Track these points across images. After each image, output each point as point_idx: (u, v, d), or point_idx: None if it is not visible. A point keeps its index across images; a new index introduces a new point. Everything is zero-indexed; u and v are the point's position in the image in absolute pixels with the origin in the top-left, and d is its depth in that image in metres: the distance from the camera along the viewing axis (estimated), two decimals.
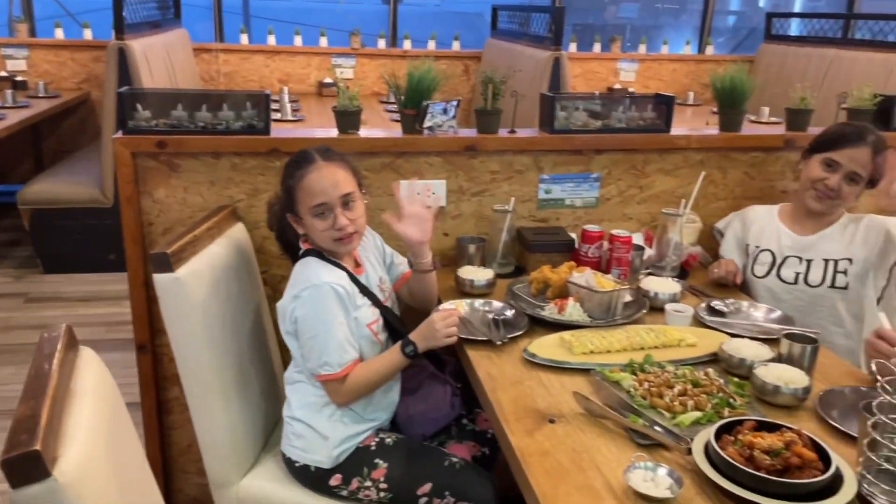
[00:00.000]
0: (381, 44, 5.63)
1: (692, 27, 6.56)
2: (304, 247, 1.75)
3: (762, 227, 2.17)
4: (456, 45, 5.76)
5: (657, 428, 1.36)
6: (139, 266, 2.02)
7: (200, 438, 1.77)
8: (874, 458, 1.18)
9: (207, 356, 1.70)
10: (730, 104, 2.27)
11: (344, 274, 1.70)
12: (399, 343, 1.71)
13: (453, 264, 2.18)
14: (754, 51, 5.97)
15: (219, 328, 1.74)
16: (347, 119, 2.09)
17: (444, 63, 5.62)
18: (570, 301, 1.81)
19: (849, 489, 1.16)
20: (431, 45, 5.72)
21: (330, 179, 1.66)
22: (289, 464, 1.76)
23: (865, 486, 1.18)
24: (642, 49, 6.07)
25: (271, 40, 5.39)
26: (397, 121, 2.15)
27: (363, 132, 2.13)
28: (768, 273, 2.11)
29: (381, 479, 1.71)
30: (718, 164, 2.31)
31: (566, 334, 1.71)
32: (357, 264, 1.80)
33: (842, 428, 1.38)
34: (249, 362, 1.86)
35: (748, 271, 2.15)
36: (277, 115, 4.10)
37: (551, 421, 1.41)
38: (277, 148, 2.03)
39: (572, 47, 5.91)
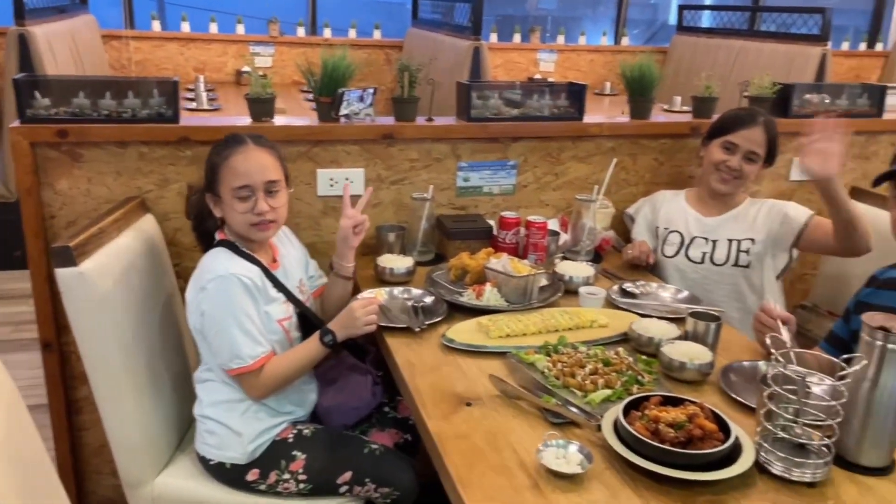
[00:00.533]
0: (301, 32, 5.53)
1: (609, 18, 6.71)
2: (219, 237, 1.71)
3: (671, 210, 2.26)
4: (377, 34, 5.72)
5: (570, 407, 1.39)
6: (41, 261, 1.93)
7: (111, 438, 1.71)
8: (770, 427, 1.25)
9: (116, 353, 1.65)
10: (639, 92, 2.34)
11: (255, 268, 1.67)
12: (317, 332, 1.69)
13: (373, 253, 2.17)
14: (668, 42, 6.17)
15: (128, 324, 1.68)
16: (261, 107, 2.05)
17: (365, 52, 5.58)
18: (488, 286, 1.83)
19: (747, 457, 1.22)
20: (352, 33, 5.66)
21: (257, 163, 1.65)
22: (203, 462, 1.72)
23: (763, 454, 1.25)
24: (561, 40, 6.18)
25: (185, 27, 5.21)
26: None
27: (278, 120, 2.09)
28: (677, 253, 2.19)
29: (300, 470, 1.69)
30: (629, 150, 2.38)
31: (483, 319, 1.73)
32: (273, 259, 1.77)
33: (741, 400, 1.45)
34: (161, 358, 1.81)
35: (658, 252, 2.23)
36: (193, 105, 3.98)
37: (468, 404, 1.43)
38: (187, 137, 1.98)
39: (493, 37, 5.96)
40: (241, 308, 1.60)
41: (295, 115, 4.08)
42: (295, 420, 1.76)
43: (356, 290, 1.94)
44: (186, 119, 2.02)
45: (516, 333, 1.68)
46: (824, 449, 1.22)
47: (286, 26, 5.53)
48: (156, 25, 5.17)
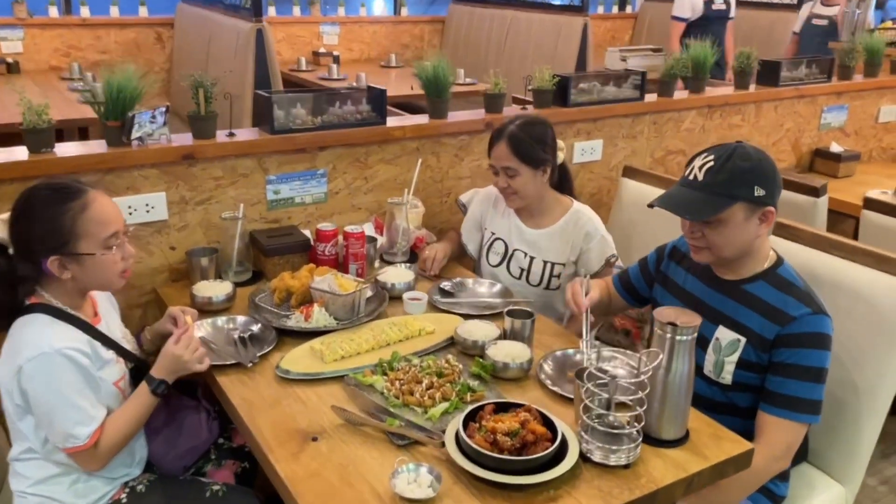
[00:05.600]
0: (53, 12, 4.96)
1: None
2: (29, 301, 1.53)
3: (497, 213, 2.28)
4: (143, 11, 5.28)
5: (413, 428, 1.47)
6: None
7: None
8: (587, 419, 1.42)
9: None
10: (436, 94, 2.43)
11: (82, 335, 1.53)
12: (144, 384, 1.61)
13: (185, 278, 2.09)
14: (445, 11, 6.36)
15: None
16: (38, 137, 1.85)
17: (133, 31, 5.16)
18: (316, 307, 1.84)
19: (574, 451, 1.38)
20: (114, 11, 5.18)
21: (115, 206, 1.56)
22: None
23: (584, 444, 1.41)
24: (342, 12, 6.12)
25: None
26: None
27: (62, 150, 1.91)
28: (500, 264, 2.25)
29: None
30: (432, 149, 2.47)
31: (316, 343, 1.75)
32: (95, 313, 1.64)
33: (560, 392, 1.62)
34: None
35: (483, 257, 2.29)
36: None
37: (314, 439, 1.46)
38: None
39: (271, 11, 5.76)
40: (71, 386, 1.48)
41: (60, 110, 3.69)
42: (128, 480, 1.67)
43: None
44: None
45: (350, 354, 1.72)
46: (634, 433, 1.41)
47: (35, 5, 4.93)
48: None
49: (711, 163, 1.63)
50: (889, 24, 5.01)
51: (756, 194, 1.61)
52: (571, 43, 5.12)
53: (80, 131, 3.84)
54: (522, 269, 2.23)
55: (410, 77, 5.45)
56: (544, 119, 2.19)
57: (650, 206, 1.70)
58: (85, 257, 1.51)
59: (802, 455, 1.94)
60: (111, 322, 1.69)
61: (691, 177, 1.66)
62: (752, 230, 1.65)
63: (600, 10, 7.15)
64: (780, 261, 1.73)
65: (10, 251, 1.50)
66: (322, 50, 5.85)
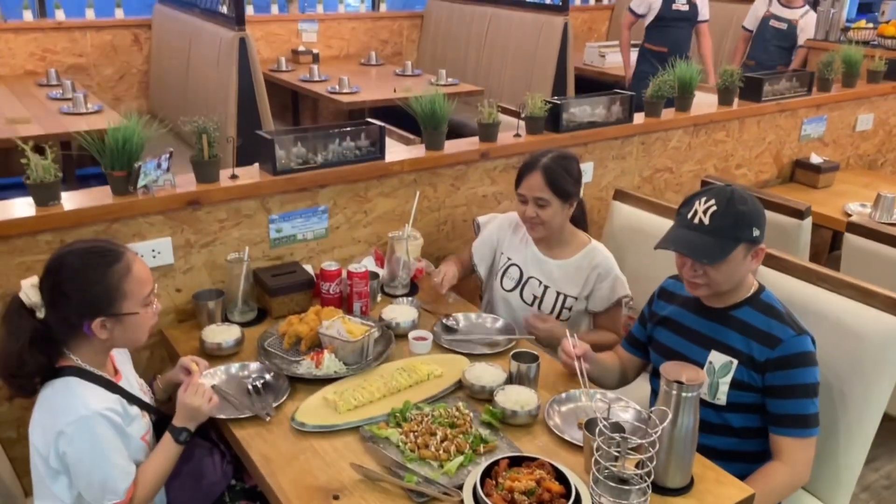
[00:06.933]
0: (28, 15, 4.86)
1: None
2: (59, 364, 1.56)
3: (515, 239, 2.31)
4: (119, 13, 5.20)
5: (430, 484, 1.53)
6: None
7: None
8: (597, 473, 1.49)
9: None
10: (433, 126, 2.45)
11: (112, 395, 1.58)
12: (168, 434, 1.65)
13: (191, 319, 2.12)
14: (423, 6, 6.33)
15: None
16: (45, 192, 1.85)
17: (110, 34, 5.09)
18: (326, 354, 1.88)
19: None
20: (90, 13, 5.10)
21: (147, 265, 1.62)
22: None
23: (595, 497, 1.48)
24: (320, 9, 6.07)
25: None
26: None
27: (69, 201, 1.91)
28: (514, 289, 2.29)
29: None
30: (429, 181, 2.50)
31: (329, 393, 1.79)
32: (115, 370, 1.68)
33: (569, 439, 1.69)
34: None
35: (496, 281, 2.33)
36: None
37: (335, 497, 1.51)
38: None
39: (249, 9, 5.69)
40: (109, 446, 1.53)
41: (42, 120, 3.65)
42: None
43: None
44: None
45: (363, 403, 1.76)
46: (645, 486, 1.48)
47: (8, 8, 4.83)
48: None
49: (714, 207, 1.75)
50: (862, 23, 5.10)
51: (753, 235, 1.76)
52: (552, 42, 5.14)
53: (63, 146, 3.79)
54: (535, 297, 2.26)
55: (391, 77, 5.46)
56: (573, 154, 2.26)
57: (657, 248, 1.80)
58: (128, 317, 1.55)
59: None
60: (129, 375, 1.73)
61: (696, 220, 1.76)
62: (747, 266, 1.80)
63: (577, 1, 7.17)
64: (761, 287, 1.87)
65: (39, 314, 1.52)
66: (301, 48, 5.82)
